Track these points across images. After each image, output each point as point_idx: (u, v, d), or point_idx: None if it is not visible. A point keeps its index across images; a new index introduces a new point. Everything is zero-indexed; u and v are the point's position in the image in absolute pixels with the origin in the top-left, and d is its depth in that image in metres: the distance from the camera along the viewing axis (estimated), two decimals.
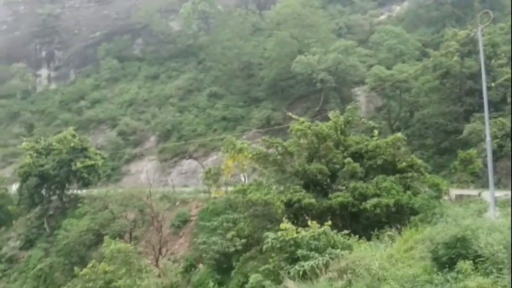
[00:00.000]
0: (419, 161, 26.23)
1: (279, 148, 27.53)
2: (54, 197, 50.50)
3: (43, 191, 49.76)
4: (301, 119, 28.45)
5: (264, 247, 19.48)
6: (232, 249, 28.19)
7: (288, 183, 26.41)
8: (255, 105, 59.67)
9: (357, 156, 26.48)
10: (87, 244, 39.32)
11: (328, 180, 26.42)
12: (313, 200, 23.96)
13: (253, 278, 19.55)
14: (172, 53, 76.63)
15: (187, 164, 55.55)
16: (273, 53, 60.58)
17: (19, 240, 48.81)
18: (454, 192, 28.21)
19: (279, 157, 27.58)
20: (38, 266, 41.92)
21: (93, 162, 49.04)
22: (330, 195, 24.95)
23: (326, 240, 17.17)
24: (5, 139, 72.38)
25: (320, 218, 20.49)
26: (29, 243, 47.70)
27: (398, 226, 18.51)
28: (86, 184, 49.70)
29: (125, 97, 70.81)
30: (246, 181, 36.72)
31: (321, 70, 52.28)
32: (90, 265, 22.30)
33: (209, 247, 30.29)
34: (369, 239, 17.68)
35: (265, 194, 24.55)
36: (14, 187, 53.67)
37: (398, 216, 22.29)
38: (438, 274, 9.84)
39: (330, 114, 28.35)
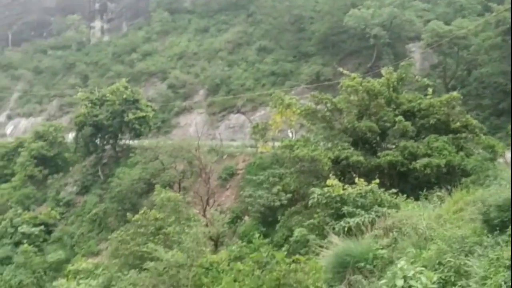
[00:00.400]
0: (474, 122, 25.25)
1: (328, 105, 27.16)
2: (107, 147, 52.49)
3: (98, 141, 51.79)
4: (352, 75, 27.79)
5: (310, 202, 19.61)
6: (278, 203, 28.58)
7: (336, 140, 26.16)
8: (304, 60, 58.67)
9: (409, 115, 25.78)
10: (138, 192, 40.92)
11: (378, 138, 25.98)
12: (361, 158, 23.71)
13: (298, 232, 19.84)
14: (222, 5, 75.93)
15: (235, 118, 55.92)
16: (325, 6, 58.82)
17: (76, 186, 51.44)
18: (510, 155, 27.10)
19: (328, 113, 27.26)
20: (93, 211, 44.22)
21: (144, 114, 50.37)
22: (379, 154, 24.58)
23: (373, 198, 17.06)
24: (62, 89, 75.16)
25: (367, 177, 20.30)
26: (84, 189, 50.22)
27: (448, 187, 18.11)
28: (137, 135, 51.28)
29: (175, 50, 71.36)
30: (293, 137, 36.72)
31: (375, 24, 50.44)
32: (141, 211, 23.21)
33: (255, 200, 30.83)
34: (417, 199, 17.42)
35: (312, 150, 24.50)
36: (70, 136, 56.14)
37: (449, 177, 21.77)
38: (488, 237, 9.61)
39: (383, 71, 27.52)
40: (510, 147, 28.44)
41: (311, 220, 19.55)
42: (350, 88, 26.51)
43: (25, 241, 41.01)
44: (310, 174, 24.75)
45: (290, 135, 39.40)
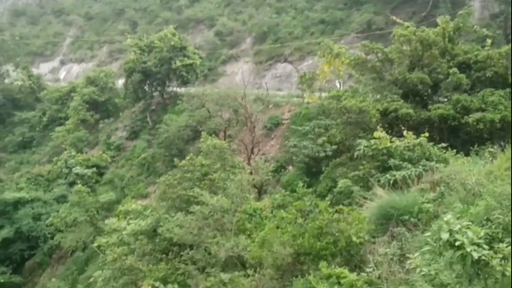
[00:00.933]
0: None
1: (379, 55, 26.30)
2: (155, 93, 53.40)
3: (146, 87, 52.71)
4: (406, 24, 26.62)
5: (355, 154, 19.47)
6: (322, 154, 28.49)
7: (386, 91, 25.48)
8: (356, 8, 56.47)
9: (464, 67, 24.65)
10: (185, 139, 41.78)
11: (429, 91, 25.12)
12: (410, 111, 23.08)
13: (342, 183, 19.83)
14: None
15: (282, 67, 55.22)
16: None
17: (125, 131, 53.06)
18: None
19: (378, 64, 26.46)
20: (142, 156, 45.70)
21: (191, 61, 50.57)
22: (429, 107, 23.84)
23: (421, 151, 16.72)
24: (111, 35, 76.21)
25: (416, 130, 19.84)
26: (134, 134, 51.75)
27: (502, 144, 17.42)
28: (184, 83, 51.77)
29: None
30: (341, 88, 36.05)
31: None
32: (188, 157, 23.76)
33: (299, 150, 30.85)
34: (467, 155, 16.92)
35: (360, 102, 24.02)
36: (120, 82, 57.37)
37: (503, 133, 20.93)
38: None
39: (439, 20, 26.20)
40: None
41: (356, 172, 19.46)
42: (403, 38, 25.49)
43: (78, 181, 43.12)
44: (357, 126, 24.40)
45: (337, 85, 38.68)
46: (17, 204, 41.17)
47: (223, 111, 39.34)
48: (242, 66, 57.87)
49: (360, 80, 28.35)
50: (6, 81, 72.18)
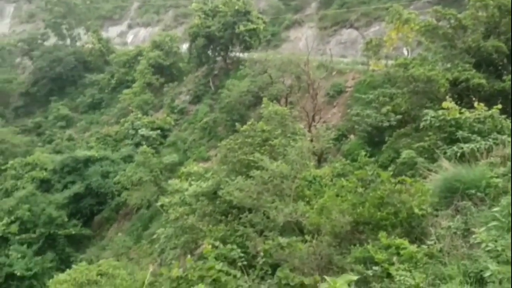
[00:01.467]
0: None
1: (452, 21, 24.90)
2: (218, 58, 53.81)
3: (210, 52, 53.19)
4: None
5: (421, 124, 18.81)
6: (386, 124, 27.77)
7: (457, 60, 24.22)
8: None
9: None
10: (246, 104, 42.06)
11: (505, 60, 23.61)
12: (483, 81, 21.86)
13: (406, 154, 19.30)
14: None
15: (347, 33, 53.73)
16: None
17: (189, 95, 54.14)
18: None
19: (450, 31, 25.08)
20: (204, 120, 46.60)
21: (255, 26, 50.30)
22: (504, 77, 22.47)
23: (492, 124, 15.90)
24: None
25: (488, 102, 18.80)
26: (196, 99, 52.73)
27: None
28: (247, 48, 51.71)
29: None
30: (409, 55, 34.65)
31: None
32: (249, 123, 23.94)
33: (362, 119, 30.25)
34: None
35: (428, 70, 23.01)
36: (184, 46, 58.25)
37: None
38: None
39: None
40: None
41: (421, 143, 18.84)
42: (479, 3, 23.92)
43: (144, 142, 44.80)
44: (424, 96, 23.48)
45: (405, 53, 37.22)
46: (88, 162, 43.50)
47: (285, 77, 39.06)
48: (306, 32, 56.85)
49: (430, 48, 27.08)
50: (78, 44, 75.33)
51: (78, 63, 70.86)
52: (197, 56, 53.37)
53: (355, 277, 4.01)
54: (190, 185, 23.91)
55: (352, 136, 33.26)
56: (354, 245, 11.52)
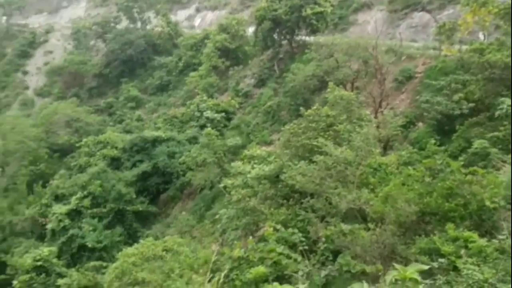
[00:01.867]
0: None
1: None
2: (284, 42, 53.50)
3: (275, 35, 52.97)
4: None
5: (496, 113, 17.91)
6: (457, 112, 26.57)
7: None
8: None
9: None
10: (311, 89, 41.63)
11: None
12: None
13: (478, 143, 18.45)
14: None
15: (419, 17, 51.55)
16: None
17: (253, 78, 54.38)
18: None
19: None
20: (268, 103, 46.68)
21: (322, 9, 49.49)
22: None
23: None
24: None
25: None
26: (261, 82, 52.87)
27: None
28: (313, 31, 51.02)
29: None
30: (485, 40, 32.79)
31: None
32: (314, 107, 23.75)
33: (431, 106, 29.11)
34: None
35: (506, 56, 21.73)
36: (250, 30, 58.38)
37: None
38: None
39: None
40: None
41: (495, 133, 17.96)
42: None
43: (208, 125, 45.65)
44: (500, 83, 22.22)
45: (481, 37, 35.24)
46: (155, 142, 45.03)
47: (352, 61, 38.20)
48: (375, 15, 55.13)
49: (509, 32, 25.49)
50: (148, 27, 77.56)
51: (148, 45, 73.00)
52: (263, 39, 53.33)
53: (426, 267, 3.90)
54: (253, 168, 24.16)
55: (420, 124, 32.11)
56: (420, 235, 11.25)
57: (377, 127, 26.53)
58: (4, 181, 53.98)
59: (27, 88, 78.73)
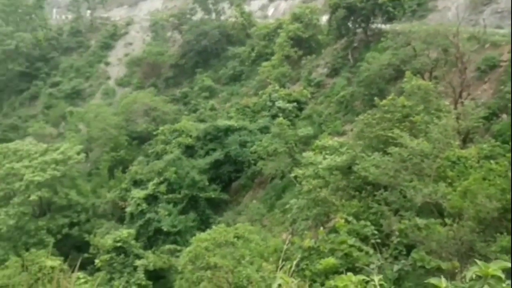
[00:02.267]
0: None
1: None
2: (359, 30, 52.30)
3: (350, 24, 51.91)
4: None
5: None
6: None
7: None
8: None
9: None
10: (386, 78, 40.46)
11: None
12: None
13: None
14: None
15: (505, 1, 48.34)
16: None
17: (326, 68, 53.72)
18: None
19: None
20: (341, 93, 45.99)
21: None
22: None
23: None
24: None
25: None
26: (334, 72, 52.12)
27: None
28: (390, 19, 49.43)
29: None
30: None
31: None
32: (389, 97, 23.10)
33: None
34: None
35: None
36: (324, 18, 57.60)
37: None
38: None
39: None
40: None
41: None
42: None
43: (280, 114, 45.75)
44: None
45: None
46: (227, 131, 45.90)
47: (431, 50, 36.59)
48: (456, 0, 52.39)
49: None
50: (222, 18, 78.78)
51: (222, 36, 74.17)
52: (337, 28, 52.43)
53: (509, 264, 3.69)
54: (324, 158, 23.98)
55: (504, 116, 30.25)
56: (501, 233, 10.68)
57: (457, 118, 25.29)
58: (88, 166, 57.49)
59: (109, 78, 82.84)
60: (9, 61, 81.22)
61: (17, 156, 46.40)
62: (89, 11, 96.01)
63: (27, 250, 37.05)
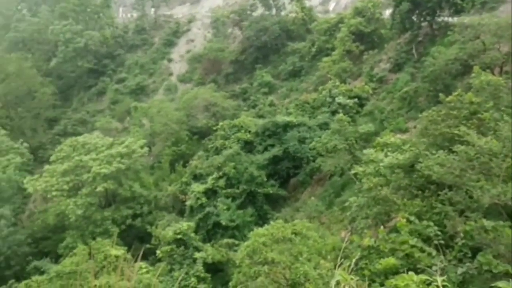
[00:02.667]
0: None
1: None
2: (424, 24, 50.53)
3: (414, 17, 50.24)
4: None
5: None
6: None
7: None
8: None
9: None
10: (453, 73, 38.82)
11: None
12: None
13: None
14: None
15: None
16: None
17: (389, 63, 52.35)
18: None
19: None
20: (404, 89, 44.63)
21: None
22: None
23: None
24: None
25: None
26: (397, 67, 50.68)
27: None
28: (458, 11, 47.34)
29: None
30: None
31: None
32: (455, 93, 22.16)
33: None
34: None
35: None
36: (387, 12, 56.10)
37: None
38: None
39: None
40: None
41: None
42: None
43: (340, 111, 45.10)
44: None
45: None
46: (286, 127, 45.80)
47: (502, 43, 34.74)
48: None
49: None
50: (282, 13, 78.60)
51: (282, 32, 74.02)
52: (400, 22, 50.90)
53: None
54: (386, 156, 23.38)
55: None
56: None
57: None
58: (151, 159, 59.39)
59: (171, 74, 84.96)
60: (79, 58, 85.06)
61: (85, 149, 48.70)
62: (153, 9, 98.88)
63: (94, 239, 38.85)
